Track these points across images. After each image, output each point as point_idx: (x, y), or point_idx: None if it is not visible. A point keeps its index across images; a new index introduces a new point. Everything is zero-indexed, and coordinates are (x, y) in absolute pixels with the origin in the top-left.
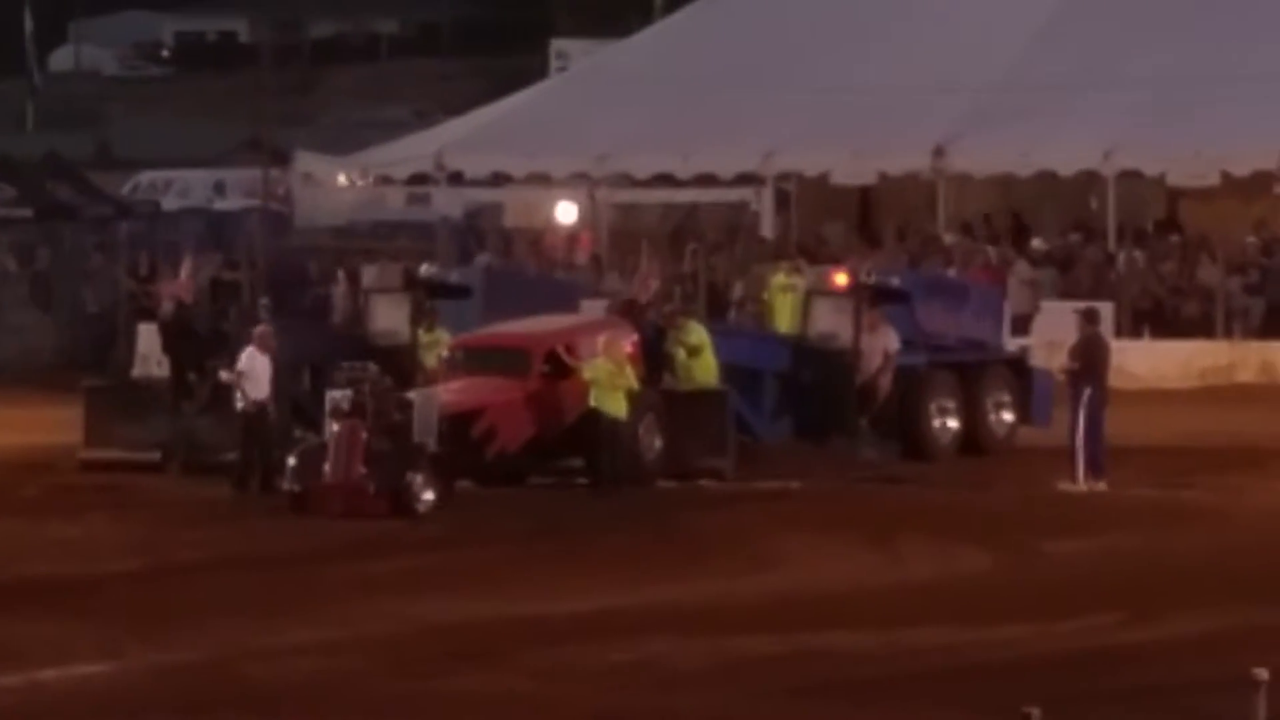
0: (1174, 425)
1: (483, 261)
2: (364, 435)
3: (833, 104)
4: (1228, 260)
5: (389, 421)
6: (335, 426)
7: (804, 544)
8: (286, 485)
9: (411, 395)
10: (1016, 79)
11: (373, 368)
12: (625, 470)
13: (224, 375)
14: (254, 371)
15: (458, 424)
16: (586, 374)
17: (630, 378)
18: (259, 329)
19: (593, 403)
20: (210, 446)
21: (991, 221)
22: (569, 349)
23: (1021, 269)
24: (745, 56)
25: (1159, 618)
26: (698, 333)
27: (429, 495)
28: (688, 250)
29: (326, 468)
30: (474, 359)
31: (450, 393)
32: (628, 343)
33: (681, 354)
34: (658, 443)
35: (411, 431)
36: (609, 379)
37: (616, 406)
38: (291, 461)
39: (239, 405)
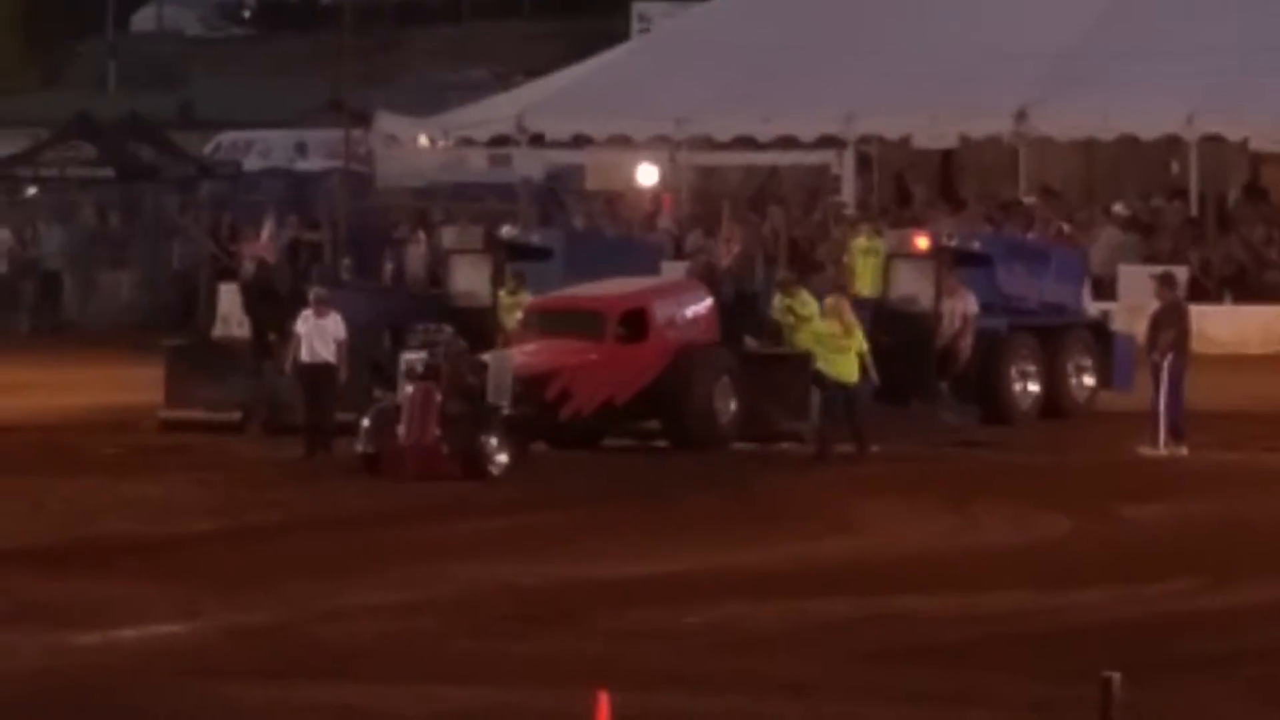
0: (1255, 390)
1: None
2: (438, 397)
3: (915, 67)
4: None
5: (463, 383)
6: (409, 388)
7: (882, 507)
8: (360, 447)
9: (486, 357)
10: (1099, 43)
11: (448, 330)
12: (858, 436)
13: (271, 337)
14: (312, 334)
15: (532, 386)
16: (805, 339)
17: (861, 339)
18: (313, 292)
19: (816, 366)
20: (291, 407)
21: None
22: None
23: (1111, 233)
24: (827, 19)
25: (1240, 584)
26: (810, 305)
27: (503, 457)
28: (770, 212)
29: (400, 429)
30: (549, 321)
31: (525, 355)
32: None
33: (790, 320)
34: (733, 405)
35: (486, 393)
36: (833, 340)
37: (841, 370)
38: (365, 423)
39: (287, 366)
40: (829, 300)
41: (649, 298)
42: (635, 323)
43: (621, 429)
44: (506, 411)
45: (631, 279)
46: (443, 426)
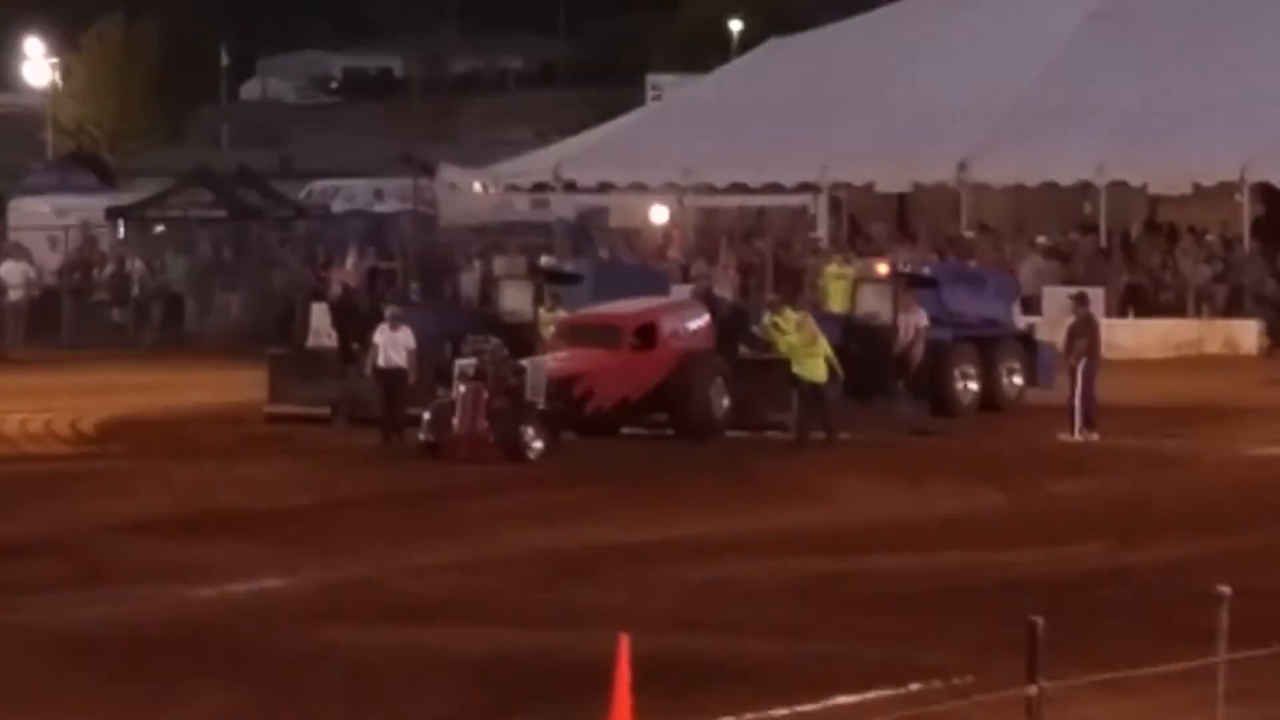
0: (1154, 388)
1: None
2: (485, 395)
3: (876, 127)
4: (1197, 254)
5: (506, 384)
6: (462, 388)
7: (852, 483)
8: (421, 436)
9: (524, 362)
10: (1025, 107)
11: (494, 340)
12: (826, 426)
13: (354, 346)
14: (387, 344)
15: (562, 386)
16: (782, 348)
17: (825, 345)
18: (389, 310)
19: (793, 369)
20: (369, 404)
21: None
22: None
23: (1036, 261)
24: (805, 88)
25: (1141, 544)
26: (791, 320)
27: (539, 444)
28: (759, 245)
29: (455, 422)
30: (576, 333)
31: (556, 360)
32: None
33: (775, 334)
34: (725, 402)
35: (525, 392)
36: (803, 348)
37: (811, 371)
38: (426, 416)
39: (365, 370)
40: (797, 316)
41: (657, 314)
42: (646, 334)
43: (635, 421)
44: (541, 407)
45: (643, 299)
46: (489, 419)
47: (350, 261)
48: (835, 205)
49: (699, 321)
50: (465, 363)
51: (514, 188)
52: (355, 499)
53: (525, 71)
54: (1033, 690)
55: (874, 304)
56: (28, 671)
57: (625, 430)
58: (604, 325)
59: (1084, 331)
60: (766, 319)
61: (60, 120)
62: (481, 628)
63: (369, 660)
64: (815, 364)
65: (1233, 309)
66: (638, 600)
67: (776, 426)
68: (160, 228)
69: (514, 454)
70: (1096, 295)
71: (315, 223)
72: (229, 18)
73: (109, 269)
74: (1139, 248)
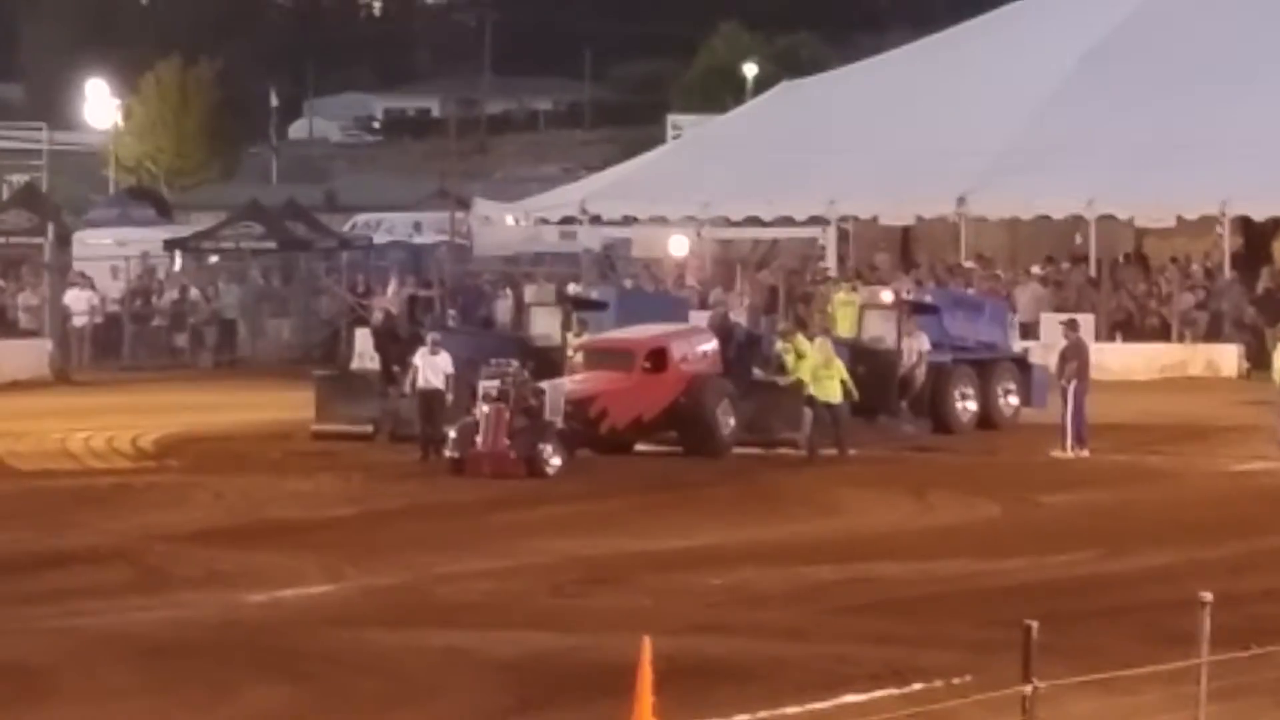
0: (1140, 408)
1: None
2: (507, 415)
3: (881, 164)
4: (1180, 283)
5: (526, 404)
6: (485, 408)
7: (858, 496)
8: (448, 453)
9: (543, 384)
10: (1020, 146)
11: (514, 363)
12: (839, 443)
13: (395, 369)
14: (427, 367)
15: (579, 406)
16: (803, 374)
17: (840, 368)
18: (430, 336)
19: (808, 391)
20: (409, 422)
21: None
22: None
23: (1031, 288)
24: (815, 127)
25: (1128, 553)
26: (805, 346)
27: (557, 461)
28: (772, 273)
29: (479, 439)
30: (593, 357)
31: (574, 382)
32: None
33: (790, 359)
34: (732, 421)
35: (544, 412)
36: (814, 371)
37: (827, 392)
38: (452, 434)
39: (405, 390)
40: (816, 341)
41: (668, 339)
42: (658, 358)
43: (648, 439)
44: (560, 426)
45: (656, 325)
46: (511, 437)
47: (391, 289)
48: (843, 237)
49: (707, 346)
50: (488, 384)
51: (543, 220)
52: (394, 511)
53: (554, 112)
54: (1027, 689)
55: (879, 329)
56: (93, 670)
57: (639, 448)
58: (618, 350)
59: (1075, 355)
60: (779, 345)
61: (121, 158)
62: (511, 630)
63: (408, 660)
64: (830, 385)
65: (1213, 334)
66: (658, 605)
67: (787, 443)
68: (214, 258)
69: (534, 470)
70: (1087, 321)
71: (358, 253)
72: (278, 63)
73: (167, 296)
74: (1125, 277)
